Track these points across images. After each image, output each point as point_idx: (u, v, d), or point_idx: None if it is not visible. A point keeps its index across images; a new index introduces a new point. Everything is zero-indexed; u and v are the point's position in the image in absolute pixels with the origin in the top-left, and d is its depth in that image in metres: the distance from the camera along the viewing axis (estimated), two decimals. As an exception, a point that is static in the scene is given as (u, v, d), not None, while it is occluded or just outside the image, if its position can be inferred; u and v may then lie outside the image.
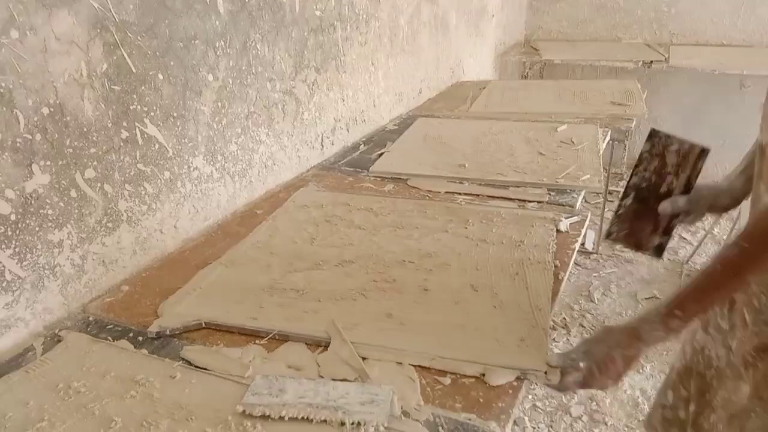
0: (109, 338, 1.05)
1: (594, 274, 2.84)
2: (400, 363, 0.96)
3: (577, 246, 1.33)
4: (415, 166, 1.82)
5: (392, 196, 1.64)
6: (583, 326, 2.45)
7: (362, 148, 2.08)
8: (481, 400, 0.88)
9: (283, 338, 1.04)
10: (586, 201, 3.35)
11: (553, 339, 2.36)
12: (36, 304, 1.10)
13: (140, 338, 1.05)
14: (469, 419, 0.85)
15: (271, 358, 0.99)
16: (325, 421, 0.84)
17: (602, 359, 0.87)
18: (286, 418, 0.84)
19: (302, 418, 0.84)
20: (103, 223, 1.22)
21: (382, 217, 1.49)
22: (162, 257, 1.37)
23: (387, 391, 0.88)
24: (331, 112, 2.03)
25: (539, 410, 1.99)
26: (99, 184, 1.20)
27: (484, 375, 0.92)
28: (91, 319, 1.12)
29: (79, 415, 0.86)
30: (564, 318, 2.50)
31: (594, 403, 1.99)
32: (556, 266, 1.24)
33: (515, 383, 0.91)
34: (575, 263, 2.91)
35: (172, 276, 1.25)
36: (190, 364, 0.98)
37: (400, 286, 1.18)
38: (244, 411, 0.86)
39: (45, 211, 1.10)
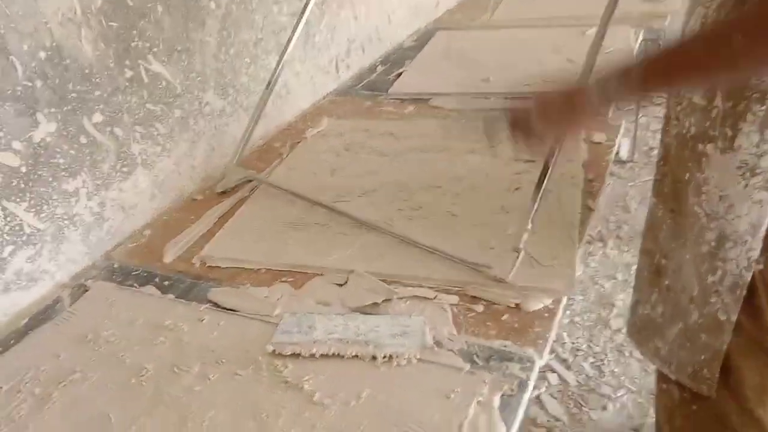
0: (135, 285, 1.04)
1: (629, 184, 2.74)
2: (431, 290, 0.93)
3: (612, 156, 1.26)
4: (436, 85, 1.73)
5: (414, 118, 1.57)
6: (620, 237, 2.39)
7: (379, 69, 1.98)
8: (516, 325, 0.85)
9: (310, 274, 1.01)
10: (618, 108, 3.19)
11: (589, 252, 2.31)
12: (59, 255, 1.09)
13: (166, 283, 1.04)
14: (505, 346, 0.81)
15: (298, 295, 0.97)
16: (356, 356, 0.82)
17: (539, 95, 0.78)
18: (317, 356, 0.82)
19: (333, 354, 0.82)
20: (118, 168, 1.19)
21: (404, 141, 1.43)
22: (182, 199, 1.34)
23: (418, 321, 0.85)
24: (343, 33, 1.92)
25: (578, 325, 1.97)
26: (108, 128, 1.16)
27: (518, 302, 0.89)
28: (115, 266, 1.11)
29: (110, 364, 0.86)
30: (600, 231, 2.43)
31: (633, 314, 1.96)
32: (590, 180, 1.17)
33: (551, 306, 0.88)
34: (610, 173, 2.81)
35: (194, 217, 1.22)
36: (218, 306, 0.96)
37: (427, 213, 1.13)
38: (274, 350, 0.84)
39: (56, 161, 1.06)
